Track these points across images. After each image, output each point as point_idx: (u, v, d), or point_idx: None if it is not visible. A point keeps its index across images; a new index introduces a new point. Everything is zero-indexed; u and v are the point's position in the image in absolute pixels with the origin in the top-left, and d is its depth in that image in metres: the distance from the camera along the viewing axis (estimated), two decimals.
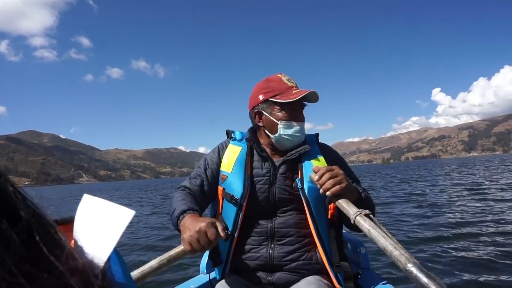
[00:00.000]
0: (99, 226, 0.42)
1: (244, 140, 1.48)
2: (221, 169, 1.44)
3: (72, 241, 0.40)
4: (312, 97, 1.41)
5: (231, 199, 1.37)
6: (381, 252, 0.89)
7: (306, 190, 1.36)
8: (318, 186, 1.25)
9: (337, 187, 1.21)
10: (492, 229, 5.01)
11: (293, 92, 1.38)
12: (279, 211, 1.40)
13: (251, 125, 1.52)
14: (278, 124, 1.39)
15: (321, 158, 1.46)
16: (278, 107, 1.40)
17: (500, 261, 3.62)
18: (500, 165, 30.70)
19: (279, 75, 1.45)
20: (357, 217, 1.05)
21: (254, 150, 1.45)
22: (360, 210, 1.08)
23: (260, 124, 1.45)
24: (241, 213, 1.37)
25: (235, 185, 1.38)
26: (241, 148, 1.46)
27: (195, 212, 1.23)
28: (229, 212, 1.39)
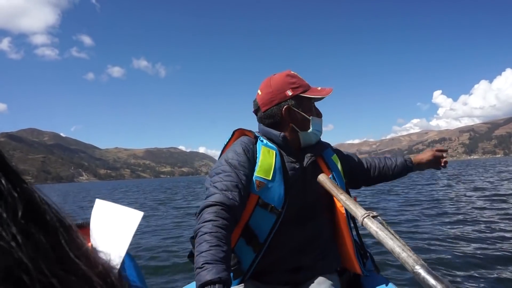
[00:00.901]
0: (111, 229, 0.45)
1: (278, 141, 1.35)
2: (257, 174, 1.28)
3: (89, 244, 0.42)
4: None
5: (271, 209, 1.26)
6: (387, 253, 0.83)
7: (343, 186, 1.35)
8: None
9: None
10: (499, 231, 4.97)
11: (318, 88, 1.38)
12: (311, 214, 1.36)
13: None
14: (310, 120, 1.36)
15: (335, 154, 1.49)
16: (307, 103, 1.37)
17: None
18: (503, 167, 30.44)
19: (292, 72, 1.41)
20: (365, 219, 1.04)
21: (284, 152, 1.35)
22: (368, 212, 1.07)
23: (289, 120, 1.37)
24: (277, 224, 1.27)
25: (275, 195, 1.27)
26: (275, 152, 1.32)
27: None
28: (264, 221, 1.28)
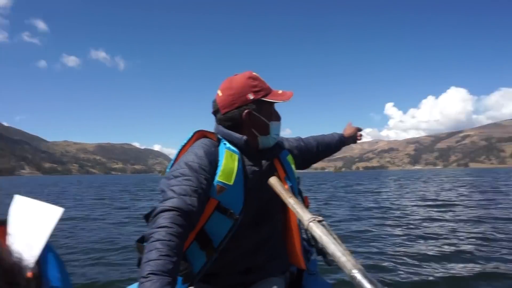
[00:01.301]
0: (29, 226, 0.43)
1: (239, 145, 1.31)
2: (219, 179, 1.22)
3: (6, 243, 0.41)
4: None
5: (229, 215, 1.22)
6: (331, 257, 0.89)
7: (295, 188, 1.38)
8: None
9: None
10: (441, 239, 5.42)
11: (279, 92, 1.36)
12: (267, 217, 1.36)
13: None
14: (269, 125, 1.35)
15: (289, 154, 1.50)
16: (267, 108, 1.35)
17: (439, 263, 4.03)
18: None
19: (254, 73, 1.37)
20: (311, 223, 1.08)
21: (245, 156, 1.32)
22: (314, 216, 1.10)
23: (249, 124, 1.33)
24: (234, 229, 1.24)
25: (235, 200, 1.24)
26: (237, 156, 1.28)
27: None
28: (221, 226, 1.24)
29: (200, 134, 1.37)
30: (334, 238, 0.99)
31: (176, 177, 1.17)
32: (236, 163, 1.26)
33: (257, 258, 1.33)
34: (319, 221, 1.08)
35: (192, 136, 1.37)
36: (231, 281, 1.32)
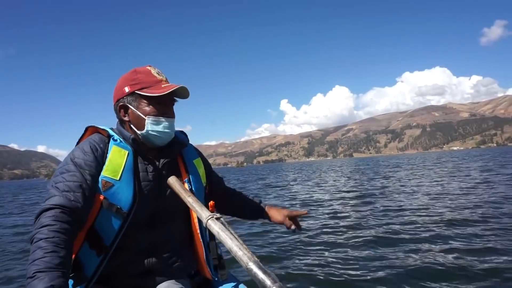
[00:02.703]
0: None
1: (129, 141, 1.28)
2: (104, 174, 1.20)
3: None
4: (183, 93, 1.32)
5: (116, 211, 1.19)
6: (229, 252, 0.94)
7: (195, 191, 1.35)
8: None
9: None
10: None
11: (162, 86, 1.27)
12: (164, 217, 1.32)
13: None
14: (145, 119, 1.27)
15: (199, 159, 1.47)
16: (145, 101, 1.28)
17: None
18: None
19: (148, 67, 1.33)
20: (209, 221, 1.10)
21: (139, 153, 1.30)
22: (212, 214, 1.12)
23: (126, 118, 1.31)
24: (125, 227, 1.21)
25: (123, 196, 1.21)
26: (127, 152, 1.26)
27: None
28: (110, 224, 1.21)
29: (93, 130, 1.34)
30: (232, 234, 1.02)
31: (61, 173, 1.17)
32: (124, 159, 1.24)
33: (154, 260, 1.29)
34: (217, 218, 1.10)
35: (85, 133, 1.35)
36: (128, 283, 1.27)
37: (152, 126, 1.28)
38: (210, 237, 1.42)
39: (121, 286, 1.28)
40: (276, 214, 1.58)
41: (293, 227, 1.53)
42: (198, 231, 1.35)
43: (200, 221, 1.31)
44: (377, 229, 5.21)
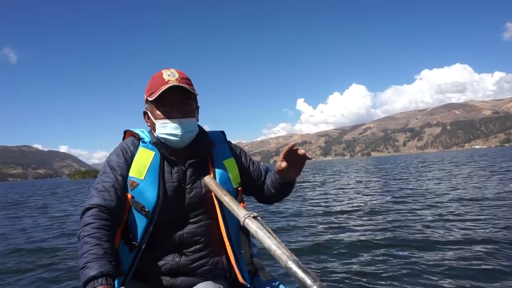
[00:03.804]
0: None
1: (156, 143, 1.36)
2: (130, 174, 1.31)
3: None
4: (183, 91, 1.32)
5: (141, 209, 1.28)
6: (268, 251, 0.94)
7: (231, 192, 1.34)
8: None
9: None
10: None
11: (161, 88, 1.29)
12: (190, 217, 1.36)
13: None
14: (155, 123, 1.34)
15: (232, 159, 1.46)
16: (154, 106, 1.34)
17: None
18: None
19: (163, 70, 1.36)
20: (246, 220, 1.11)
21: (163, 155, 1.36)
22: (249, 212, 1.13)
23: (148, 124, 1.42)
24: (151, 225, 1.30)
25: (147, 194, 1.29)
26: (154, 153, 1.35)
27: (107, 281, 1.04)
28: (138, 222, 1.30)
29: (129, 134, 1.46)
30: (269, 232, 1.03)
31: (100, 175, 1.34)
32: (150, 160, 1.33)
33: (182, 260, 1.33)
34: (254, 217, 1.12)
35: (124, 136, 1.47)
36: (160, 281, 1.33)
37: (160, 129, 1.33)
38: (242, 239, 1.45)
39: (153, 284, 1.34)
40: (281, 173, 1.38)
41: (283, 164, 1.32)
42: (225, 232, 1.36)
43: (227, 223, 1.36)
44: (422, 233, 4.98)
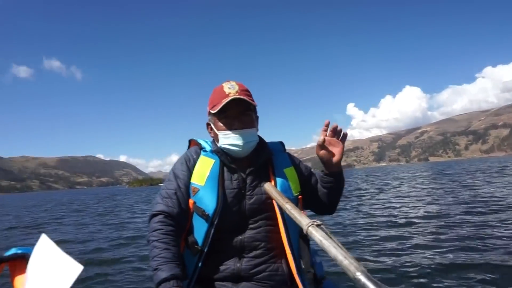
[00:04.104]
0: (47, 278, 0.41)
1: (218, 152, 1.43)
2: (192, 181, 1.40)
3: (14, 280, 0.43)
4: (242, 103, 1.36)
5: (202, 213, 1.34)
6: (333, 261, 0.89)
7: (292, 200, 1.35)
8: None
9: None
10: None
11: (222, 101, 1.35)
12: (250, 223, 1.39)
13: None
14: (218, 134, 1.40)
15: (293, 168, 1.50)
16: (216, 118, 1.40)
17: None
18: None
19: (224, 83, 1.42)
20: (310, 228, 1.08)
21: (224, 163, 1.43)
22: (313, 220, 1.11)
23: (211, 135, 1.48)
24: (212, 229, 1.34)
25: (207, 200, 1.35)
26: (213, 161, 1.42)
27: (177, 283, 1.16)
28: (200, 226, 1.36)
29: (193, 143, 1.57)
30: (335, 242, 0.98)
31: (165, 182, 1.44)
32: (210, 167, 1.40)
33: (243, 266, 1.35)
34: (318, 225, 1.08)
35: (189, 145, 1.58)
36: (222, 287, 1.35)
37: (222, 140, 1.40)
38: (302, 247, 1.47)
39: None
40: (325, 166, 1.45)
41: (321, 138, 1.39)
42: (286, 239, 1.36)
43: (288, 230, 1.37)
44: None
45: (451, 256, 4.19)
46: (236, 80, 1.45)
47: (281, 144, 1.59)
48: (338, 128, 1.40)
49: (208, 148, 1.47)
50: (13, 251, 0.47)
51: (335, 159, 1.41)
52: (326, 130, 1.39)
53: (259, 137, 1.50)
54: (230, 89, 1.38)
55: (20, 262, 0.44)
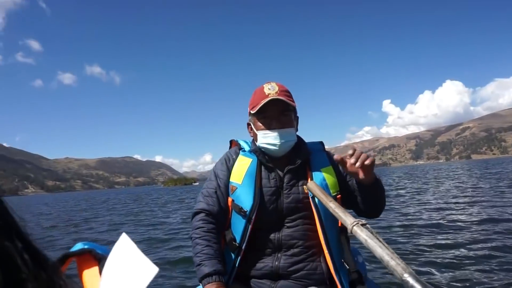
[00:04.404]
0: (123, 277, 0.40)
1: (255, 152, 1.47)
2: (231, 179, 1.45)
3: (82, 274, 0.45)
4: (282, 103, 1.39)
5: (239, 211, 1.39)
6: (377, 261, 0.86)
7: (316, 198, 1.36)
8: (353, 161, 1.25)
9: (368, 159, 1.26)
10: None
11: (261, 102, 1.39)
12: (287, 221, 1.41)
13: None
14: (257, 134, 1.44)
15: (331, 167, 1.48)
16: (256, 118, 1.45)
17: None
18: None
19: (265, 84, 1.45)
20: (354, 227, 1.05)
21: (261, 162, 1.46)
22: (357, 220, 1.08)
23: (251, 134, 1.53)
24: (249, 226, 1.38)
25: (244, 197, 1.40)
26: (251, 160, 1.47)
27: (219, 278, 1.24)
28: (238, 223, 1.40)
29: (233, 143, 1.63)
30: (380, 242, 0.95)
31: (207, 181, 1.52)
32: (247, 166, 1.45)
33: (281, 264, 1.37)
34: (363, 225, 1.05)
35: (230, 145, 1.64)
36: (261, 285, 1.39)
37: (261, 139, 1.44)
38: (343, 247, 1.44)
39: (255, 286, 1.40)
40: (359, 182, 1.38)
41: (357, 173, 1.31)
42: (323, 238, 1.37)
43: (325, 229, 1.38)
44: None
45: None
46: (276, 81, 1.47)
47: (321, 144, 1.59)
48: (359, 154, 1.27)
49: (247, 148, 1.52)
50: (79, 246, 0.49)
51: (360, 177, 1.31)
52: (350, 155, 1.28)
53: (298, 137, 1.52)
54: (270, 90, 1.41)
55: (87, 257, 0.46)
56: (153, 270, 0.41)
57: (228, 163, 1.50)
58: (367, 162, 1.26)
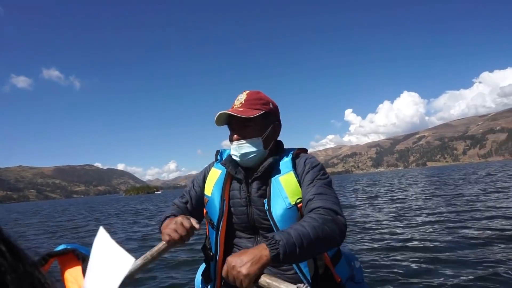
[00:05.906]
0: (103, 270, 0.43)
1: (225, 163, 1.47)
2: (204, 192, 1.48)
3: (65, 274, 0.45)
4: (229, 118, 1.40)
5: (210, 221, 1.43)
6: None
7: (272, 212, 1.32)
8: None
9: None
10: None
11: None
12: (260, 231, 1.41)
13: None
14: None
15: (291, 173, 1.37)
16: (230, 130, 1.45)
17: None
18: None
19: (240, 94, 1.46)
20: None
21: (233, 172, 1.44)
22: (297, 285, 0.96)
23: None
24: (219, 236, 1.40)
25: (212, 209, 1.42)
26: (220, 171, 1.47)
27: (177, 214, 1.32)
28: (211, 234, 1.45)
29: (217, 154, 1.62)
30: None
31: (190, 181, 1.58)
32: (216, 178, 1.46)
33: None
34: None
35: (216, 156, 1.62)
36: None
37: (231, 151, 1.45)
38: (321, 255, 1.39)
39: None
40: None
41: None
42: None
43: None
44: None
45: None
46: (250, 89, 1.47)
47: (300, 149, 1.49)
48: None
49: (220, 158, 1.55)
50: (62, 246, 0.48)
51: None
52: None
53: (278, 144, 1.51)
54: (237, 101, 1.42)
55: (70, 257, 0.46)
56: (129, 260, 0.41)
57: (205, 173, 1.54)
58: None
